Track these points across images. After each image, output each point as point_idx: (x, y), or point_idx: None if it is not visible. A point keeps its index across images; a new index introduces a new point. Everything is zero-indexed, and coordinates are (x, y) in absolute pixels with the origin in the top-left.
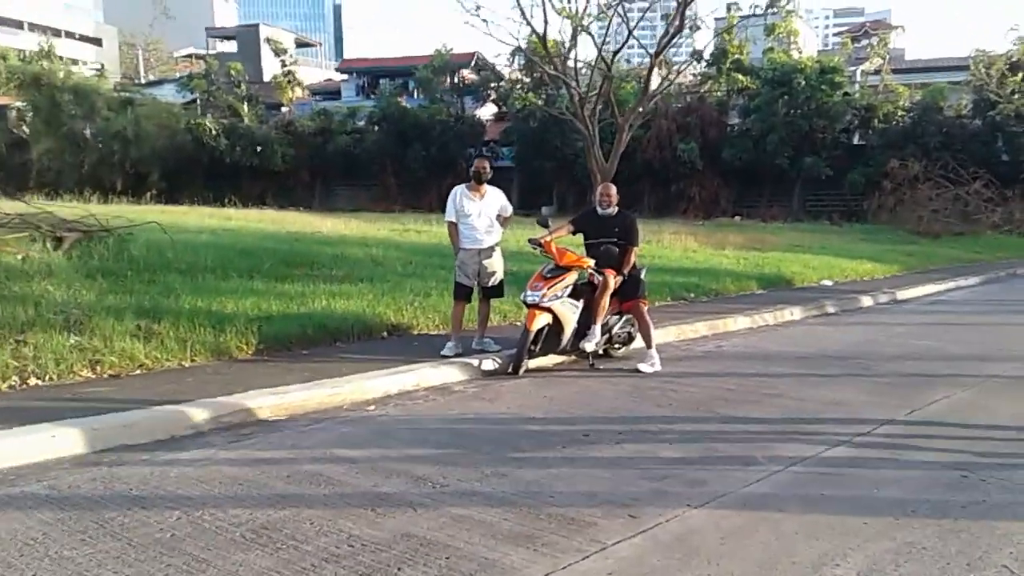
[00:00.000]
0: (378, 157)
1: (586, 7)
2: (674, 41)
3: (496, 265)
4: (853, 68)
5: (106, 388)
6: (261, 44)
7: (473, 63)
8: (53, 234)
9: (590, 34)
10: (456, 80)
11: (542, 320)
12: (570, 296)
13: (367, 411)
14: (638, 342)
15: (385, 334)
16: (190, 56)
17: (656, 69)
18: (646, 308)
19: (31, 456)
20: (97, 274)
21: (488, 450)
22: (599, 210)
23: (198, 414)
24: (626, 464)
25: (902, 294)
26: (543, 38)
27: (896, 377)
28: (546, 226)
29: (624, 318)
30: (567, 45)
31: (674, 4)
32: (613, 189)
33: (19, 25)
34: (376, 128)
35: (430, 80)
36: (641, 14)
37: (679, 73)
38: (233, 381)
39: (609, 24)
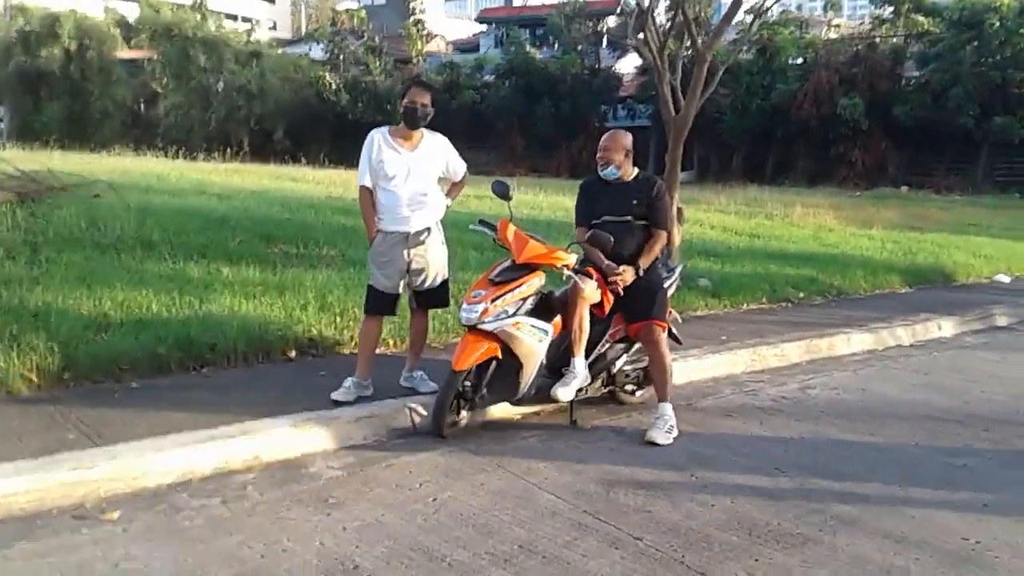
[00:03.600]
0: (504, 114)
1: None
2: None
3: (433, 256)
4: None
5: None
6: None
7: (619, 9)
8: None
9: None
10: (598, 29)
11: (479, 351)
12: (537, 313)
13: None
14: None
15: (294, 354)
16: (346, 11)
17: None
18: (664, 333)
19: None
20: None
21: None
22: (600, 174)
23: None
24: None
25: None
26: None
27: None
28: (506, 197)
29: (635, 347)
30: None
31: None
32: (627, 139)
33: None
34: (505, 83)
35: (563, 28)
36: None
37: None
38: None
39: None
